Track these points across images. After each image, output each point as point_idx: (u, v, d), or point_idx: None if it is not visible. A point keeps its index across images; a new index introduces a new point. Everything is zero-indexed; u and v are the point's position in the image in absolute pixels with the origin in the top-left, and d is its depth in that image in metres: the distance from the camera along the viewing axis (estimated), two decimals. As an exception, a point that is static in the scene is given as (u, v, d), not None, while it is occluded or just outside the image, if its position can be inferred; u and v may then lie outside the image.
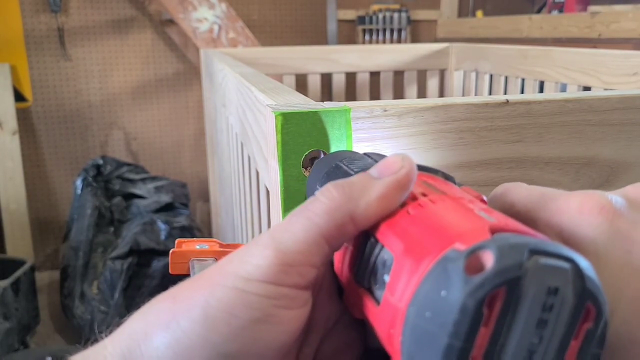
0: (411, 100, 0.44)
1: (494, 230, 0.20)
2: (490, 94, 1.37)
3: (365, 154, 0.35)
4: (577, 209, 0.24)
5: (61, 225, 2.31)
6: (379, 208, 0.25)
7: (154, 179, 2.07)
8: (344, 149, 0.41)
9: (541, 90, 1.19)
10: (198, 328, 0.24)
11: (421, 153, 0.44)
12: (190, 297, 0.25)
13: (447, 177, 0.28)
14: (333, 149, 0.41)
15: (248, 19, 2.38)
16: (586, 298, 0.19)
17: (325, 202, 0.25)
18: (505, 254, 0.18)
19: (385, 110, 0.42)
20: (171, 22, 2.21)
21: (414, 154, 0.43)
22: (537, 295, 0.18)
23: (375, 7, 2.56)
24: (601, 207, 0.24)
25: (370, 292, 0.25)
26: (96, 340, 0.26)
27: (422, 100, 0.44)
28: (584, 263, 0.19)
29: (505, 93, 1.33)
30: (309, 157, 0.41)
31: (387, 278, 0.23)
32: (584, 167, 0.47)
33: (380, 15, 2.53)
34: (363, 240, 0.25)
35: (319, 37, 2.54)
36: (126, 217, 1.92)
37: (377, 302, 0.24)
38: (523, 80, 1.25)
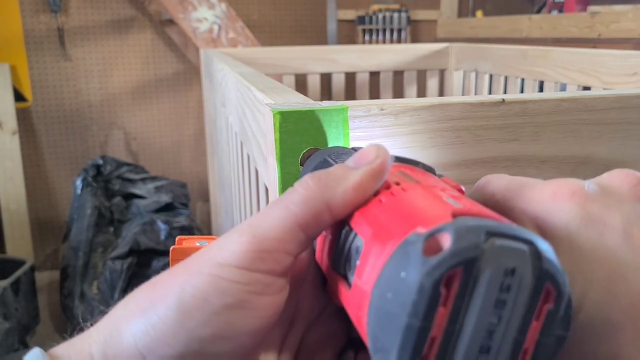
0: (408, 100, 0.45)
1: (456, 215, 0.21)
2: (490, 94, 1.37)
3: (353, 148, 0.35)
4: (551, 196, 0.25)
5: (61, 225, 2.31)
6: (355, 197, 0.25)
7: (154, 179, 2.08)
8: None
9: (541, 90, 1.19)
10: (172, 313, 0.24)
11: (418, 152, 0.44)
12: (167, 284, 0.26)
13: (427, 169, 0.29)
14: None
15: (248, 19, 2.38)
16: (545, 279, 0.19)
17: (301, 192, 0.25)
18: (462, 236, 0.19)
19: (382, 109, 0.42)
20: (171, 22, 2.22)
21: (410, 152, 0.44)
22: (494, 276, 0.19)
23: (375, 7, 2.56)
24: (573, 193, 0.24)
25: (345, 278, 0.25)
26: (82, 330, 0.27)
27: (418, 100, 0.44)
28: (542, 245, 0.19)
29: (504, 93, 1.33)
30: (307, 156, 0.41)
31: (358, 262, 0.24)
32: (580, 165, 0.47)
33: (380, 15, 2.54)
34: (339, 229, 0.26)
35: (318, 37, 2.55)
36: (126, 217, 1.93)
37: (349, 286, 0.24)
38: (523, 80, 1.25)
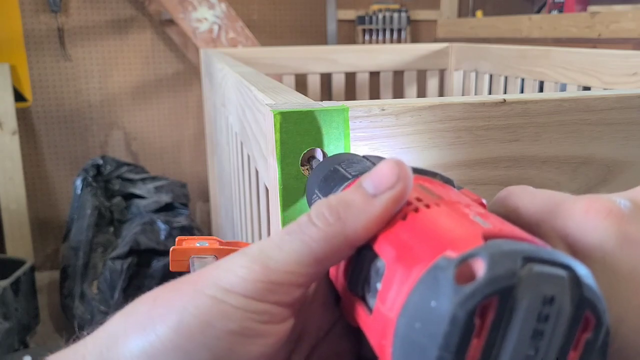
0: (409, 100, 0.44)
1: (487, 237, 0.20)
2: (489, 93, 1.37)
3: (364, 156, 0.34)
4: (583, 213, 0.23)
5: (61, 225, 2.31)
6: (377, 228, 0.24)
7: (153, 179, 2.08)
8: (342, 147, 0.42)
9: (541, 90, 1.19)
10: (172, 334, 0.23)
11: (419, 152, 0.44)
12: (169, 301, 0.24)
13: (446, 180, 0.27)
14: (331, 147, 0.41)
15: (248, 19, 2.38)
16: (584, 307, 0.18)
17: (321, 228, 0.24)
18: (498, 262, 0.18)
19: (383, 110, 0.42)
20: (171, 22, 2.22)
21: (411, 153, 0.44)
22: (532, 305, 0.17)
23: (375, 7, 2.56)
24: (608, 211, 0.23)
25: (364, 300, 0.24)
26: (78, 338, 0.26)
27: (419, 100, 0.44)
28: (581, 270, 0.18)
29: (504, 93, 1.33)
30: (307, 156, 0.41)
31: (379, 286, 0.22)
32: (581, 166, 0.47)
33: (380, 15, 2.54)
34: (357, 248, 0.25)
35: (318, 37, 2.54)
36: (126, 217, 1.93)
37: (370, 310, 0.23)
38: (523, 80, 1.25)
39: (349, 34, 2.60)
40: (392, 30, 2.57)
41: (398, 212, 0.23)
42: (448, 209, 0.22)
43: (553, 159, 0.46)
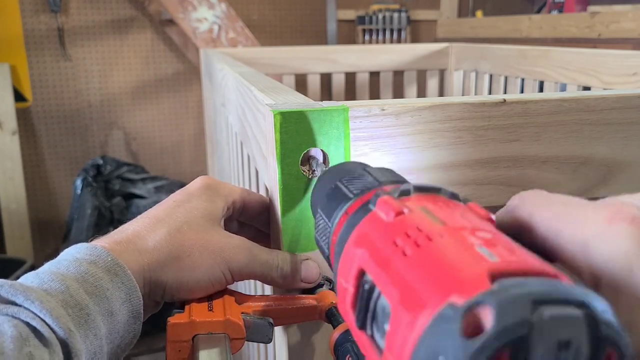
0: (409, 100, 0.44)
1: (494, 275, 0.18)
2: (490, 93, 1.37)
3: (365, 169, 0.32)
4: (606, 220, 0.22)
5: (61, 225, 2.31)
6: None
7: (154, 179, 2.08)
8: (342, 147, 0.41)
9: (541, 90, 1.19)
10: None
11: (419, 152, 0.44)
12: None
13: (451, 195, 0.26)
14: (331, 147, 0.41)
15: (248, 19, 2.38)
16: (604, 345, 0.17)
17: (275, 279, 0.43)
18: (507, 310, 0.16)
19: (383, 110, 0.42)
20: (171, 22, 2.22)
21: (411, 153, 0.44)
22: (547, 353, 0.16)
23: (375, 7, 2.56)
24: (632, 218, 0.21)
25: (373, 338, 0.23)
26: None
27: (419, 100, 0.44)
28: (598, 305, 0.17)
29: (504, 93, 1.33)
30: (307, 156, 0.41)
31: (387, 327, 0.21)
32: (581, 166, 0.47)
33: (380, 15, 2.54)
34: (359, 281, 0.24)
35: (318, 37, 2.55)
36: (126, 217, 1.92)
37: (380, 351, 0.22)
38: (523, 80, 1.25)
39: (349, 34, 2.60)
40: (392, 30, 2.57)
41: (399, 246, 0.22)
42: (452, 241, 0.21)
43: (553, 159, 0.46)
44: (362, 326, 0.23)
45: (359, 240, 0.25)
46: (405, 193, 0.25)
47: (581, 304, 0.17)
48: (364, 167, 0.34)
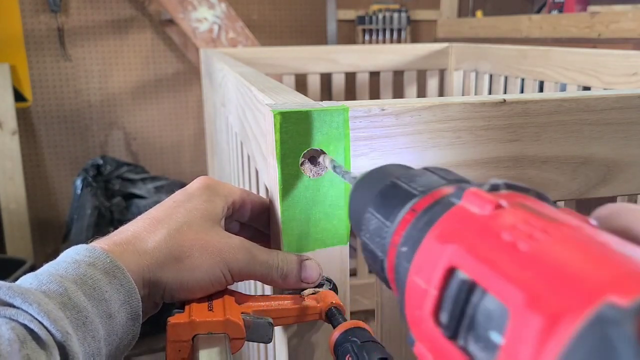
0: (409, 100, 0.44)
1: None
2: (489, 93, 1.37)
3: (426, 168, 0.29)
4: None
5: (61, 225, 2.31)
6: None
7: (154, 179, 2.08)
8: (342, 147, 0.41)
9: (541, 90, 1.19)
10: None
11: (418, 152, 0.44)
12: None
13: (541, 197, 0.22)
14: (331, 147, 0.41)
15: (248, 19, 2.38)
16: None
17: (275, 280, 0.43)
18: None
19: (383, 110, 0.42)
20: (171, 22, 2.22)
21: (411, 153, 0.44)
22: None
23: (375, 7, 2.56)
24: None
25: (465, 350, 0.19)
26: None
27: (419, 100, 0.44)
28: None
29: (504, 93, 1.33)
30: (307, 156, 0.41)
31: (497, 337, 0.18)
32: (581, 166, 0.47)
33: (380, 15, 2.54)
34: (447, 278, 0.20)
35: (318, 37, 2.54)
36: (126, 217, 1.92)
37: None
38: (523, 80, 1.25)
39: (349, 34, 2.60)
40: (392, 30, 2.57)
41: (507, 239, 0.19)
42: (576, 236, 0.18)
43: (553, 158, 0.46)
44: (452, 335, 0.19)
45: (445, 235, 0.21)
46: (495, 188, 0.22)
47: None
48: (410, 168, 0.31)
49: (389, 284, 0.26)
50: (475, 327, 0.19)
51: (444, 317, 0.20)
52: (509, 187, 0.22)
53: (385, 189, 0.28)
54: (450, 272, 0.20)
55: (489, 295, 0.18)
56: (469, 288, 0.19)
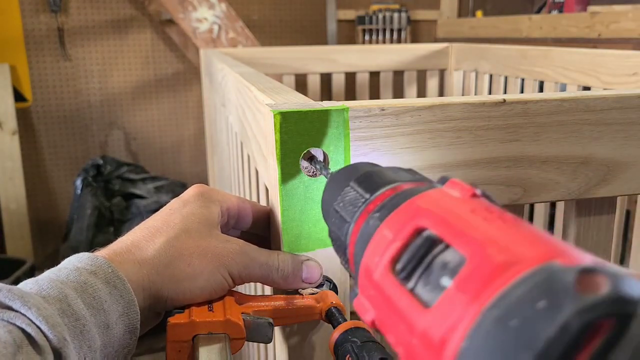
0: (409, 100, 0.44)
1: (594, 261, 0.18)
2: (489, 93, 1.37)
3: (373, 170, 0.32)
4: None
5: (61, 225, 2.31)
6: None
7: (154, 179, 2.08)
8: (342, 147, 0.41)
9: (541, 90, 1.19)
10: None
11: (418, 152, 0.44)
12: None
13: (490, 199, 0.25)
14: (331, 147, 0.41)
15: (248, 19, 2.38)
16: None
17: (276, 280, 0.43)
18: (621, 285, 0.16)
19: (383, 110, 0.42)
20: (171, 22, 2.22)
21: (411, 153, 0.44)
22: None
23: (375, 7, 2.56)
24: None
25: (412, 291, 0.22)
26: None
27: (419, 100, 0.44)
28: None
29: (504, 93, 1.33)
30: (307, 156, 0.41)
31: (447, 281, 0.20)
32: (581, 166, 0.47)
33: (380, 15, 2.54)
34: (417, 236, 0.23)
35: (318, 37, 2.55)
36: (126, 217, 1.93)
37: (426, 304, 0.21)
38: (523, 80, 1.25)
39: (349, 34, 2.60)
40: (392, 30, 2.57)
41: (473, 212, 0.22)
42: (526, 225, 0.21)
43: (553, 159, 0.46)
44: (406, 278, 0.22)
45: (422, 204, 0.24)
46: (473, 185, 0.25)
47: None
48: (375, 169, 0.34)
49: (345, 247, 0.29)
50: (429, 273, 0.21)
51: (400, 264, 0.23)
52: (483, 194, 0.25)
53: (372, 171, 0.31)
54: (419, 230, 0.23)
55: (450, 248, 0.21)
56: (432, 243, 0.22)
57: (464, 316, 0.18)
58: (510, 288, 0.17)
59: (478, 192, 0.24)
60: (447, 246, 0.21)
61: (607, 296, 0.16)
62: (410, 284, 0.22)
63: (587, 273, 0.16)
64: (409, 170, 0.32)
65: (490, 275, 0.18)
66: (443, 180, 0.26)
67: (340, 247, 0.31)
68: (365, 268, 0.25)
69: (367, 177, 0.31)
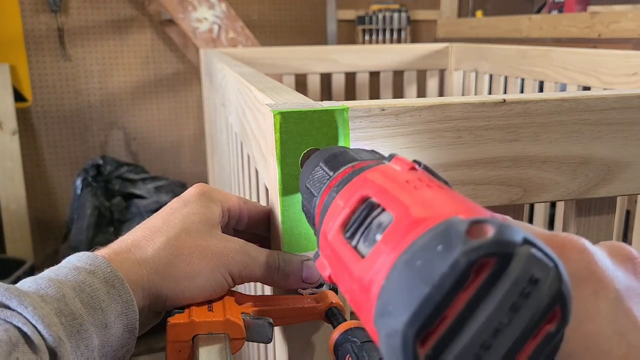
0: (409, 100, 0.44)
1: (493, 216, 0.22)
2: (489, 94, 1.37)
3: (364, 149, 0.35)
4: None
5: (61, 225, 2.31)
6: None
7: (154, 179, 2.08)
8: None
9: (541, 90, 1.19)
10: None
11: (418, 152, 0.44)
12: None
13: (432, 172, 0.29)
14: (331, 147, 0.41)
15: (248, 19, 2.38)
16: (558, 301, 0.20)
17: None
18: (504, 232, 0.20)
19: (383, 110, 0.42)
20: (171, 22, 2.22)
21: (411, 153, 0.44)
22: (520, 279, 0.19)
23: (375, 7, 2.56)
24: (627, 256, 0.26)
25: (356, 248, 0.27)
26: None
27: (419, 100, 0.44)
28: (563, 270, 0.20)
29: (504, 93, 1.33)
30: (307, 156, 0.41)
31: (378, 237, 0.25)
32: (581, 166, 0.47)
33: (380, 15, 2.54)
34: (359, 203, 0.27)
35: (318, 37, 2.54)
36: (126, 217, 1.93)
37: (362, 255, 0.25)
38: (523, 80, 1.25)
39: (349, 34, 2.60)
40: (392, 30, 2.57)
41: (409, 182, 0.26)
42: (446, 189, 0.25)
43: (553, 159, 0.46)
44: (350, 237, 0.27)
45: (370, 177, 0.29)
46: (417, 162, 0.29)
47: (555, 261, 0.20)
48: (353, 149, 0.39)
49: (313, 218, 0.34)
50: (368, 232, 0.26)
51: (348, 226, 0.27)
52: (415, 162, 0.30)
53: (339, 152, 0.36)
54: (364, 199, 0.27)
55: (385, 211, 0.25)
56: (372, 208, 0.26)
57: (386, 262, 0.22)
58: (419, 238, 0.21)
59: (417, 166, 0.28)
60: (383, 210, 0.25)
61: (490, 240, 0.19)
62: (354, 242, 0.27)
63: (478, 223, 0.20)
64: (371, 151, 0.36)
65: (407, 229, 0.22)
66: (390, 157, 0.31)
67: (310, 218, 0.36)
68: (323, 232, 0.30)
69: (333, 157, 0.35)
